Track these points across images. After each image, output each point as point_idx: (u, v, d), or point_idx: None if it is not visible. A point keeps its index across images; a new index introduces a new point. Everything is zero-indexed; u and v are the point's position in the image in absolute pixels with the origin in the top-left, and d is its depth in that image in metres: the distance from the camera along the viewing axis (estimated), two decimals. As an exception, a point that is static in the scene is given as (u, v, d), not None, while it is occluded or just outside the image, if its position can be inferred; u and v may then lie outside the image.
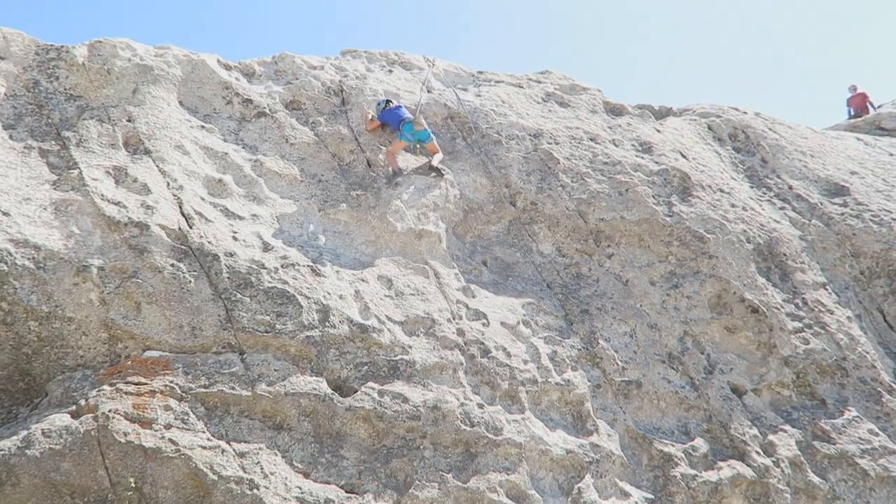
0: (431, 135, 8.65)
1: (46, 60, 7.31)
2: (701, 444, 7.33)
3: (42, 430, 5.07)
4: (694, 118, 11.68)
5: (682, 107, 12.23)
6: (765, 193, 10.55)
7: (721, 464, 7.21)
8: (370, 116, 8.83)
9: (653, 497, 6.81)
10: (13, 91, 6.94)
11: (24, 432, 5.07)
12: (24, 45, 7.29)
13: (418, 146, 8.65)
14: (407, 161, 8.71)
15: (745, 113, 12.13)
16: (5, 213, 5.79)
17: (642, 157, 9.96)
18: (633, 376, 7.65)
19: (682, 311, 8.39)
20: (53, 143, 6.73)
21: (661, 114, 11.86)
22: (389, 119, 8.58)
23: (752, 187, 10.60)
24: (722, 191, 9.93)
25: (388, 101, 8.80)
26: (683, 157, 10.29)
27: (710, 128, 11.51)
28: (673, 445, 7.22)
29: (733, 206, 9.75)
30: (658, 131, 10.83)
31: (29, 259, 5.64)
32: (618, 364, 7.67)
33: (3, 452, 4.92)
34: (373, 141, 8.71)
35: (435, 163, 8.60)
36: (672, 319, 8.29)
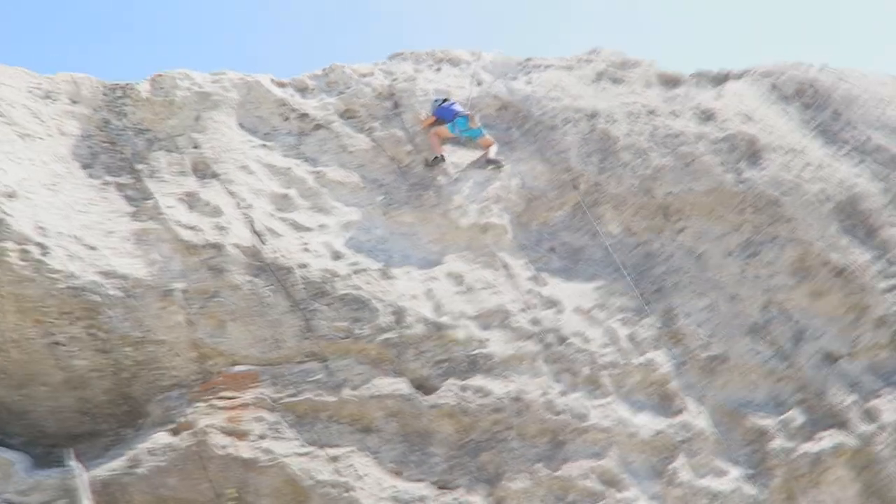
0: (483, 131, 8.65)
1: (114, 99, 7.66)
2: (797, 415, 7.07)
3: (147, 448, 5.35)
4: (756, 79, 11.22)
5: (742, 69, 11.75)
6: (840, 148, 10.04)
7: (821, 434, 6.94)
8: (423, 116, 8.90)
9: (752, 472, 6.62)
10: (87, 132, 7.32)
11: (132, 452, 5.36)
12: (93, 87, 7.67)
13: (469, 140, 8.67)
14: (463, 156, 8.73)
15: (810, 67, 11.57)
16: (92, 248, 6.12)
17: (705, 126, 9.66)
18: (718, 351, 7.44)
19: (762, 279, 8.10)
20: (128, 176, 7.07)
21: (720, 79, 11.43)
22: (444, 115, 8.62)
23: (825, 144, 10.11)
24: (794, 151, 9.52)
25: (444, 99, 8.84)
26: (749, 120, 9.91)
27: (774, 87, 11.03)
28: (767, 418, 7.00)
29: (807, 165, 9.33)
30: (719, 97, 10.46)
31: (118, 288, 5.95)
32: (700, 339, 7.48)
33: (115, 472, 5.22)
34: (428, 140, 8.75)
35: (492, 155, 8.58)
36: (753, 289, 8.01)
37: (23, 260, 5.65)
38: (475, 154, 8.76)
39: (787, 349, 7.58)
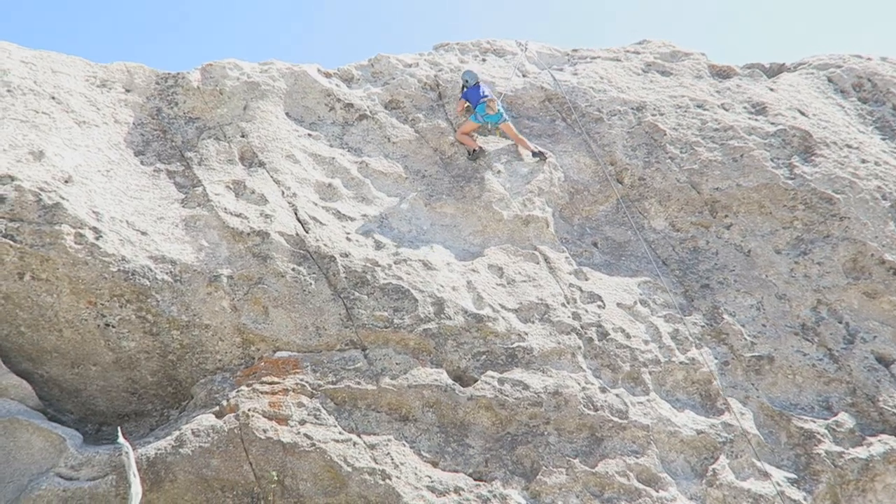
0: (505, 116, 8.57)
1: (166, 88, 7.85)
2: (846, 419, 6.85)
3: (192, 430, 5.49)
4: (811, 72, 10.87)
5: (797, 61, 11.39)
6: (900, 145, 9.66)
7: (871, 439, 6.71)
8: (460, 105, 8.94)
9: (796, 476, 6.45)
10: (140, 120, 7.52)
11: (177, 433, 5.51)
12: (146, 76, 7.87)
13: (493, 127, 8.64)
14: (496, 143, 8.70)
15: (869, 59, 11.14)
16: (143, 233, 6.29)
17: (756, 119, 9.40)
18: (764, 351, 7.26)
19: (813, 278, 7.86)
20: (178, 164, 7.24)
21: (773, 71, 11.12)
22: (470, 97, 8.61)
23: (884, 139, 9.74)
24: (849, 146, 9.20)
25: (466, 81, 8.78)
26: (802, 114, 9.61)
27: (830, 80, 10.67)
28: (814, 422, 6.80)
29: (864, 161, 9.01)
30: (771, 90, 10.17)
31: (167, 273, 6.11)
32: (745, 339, 7.30)
33: (160, 452, 5.38)
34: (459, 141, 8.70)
35: (533, 148, 8.53)
36: (803, 288, 7.79)
37: (77, 243, 5.85)
38: (502, 142, 8.70)
39: (837, 351, 7.35)
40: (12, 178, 5.88)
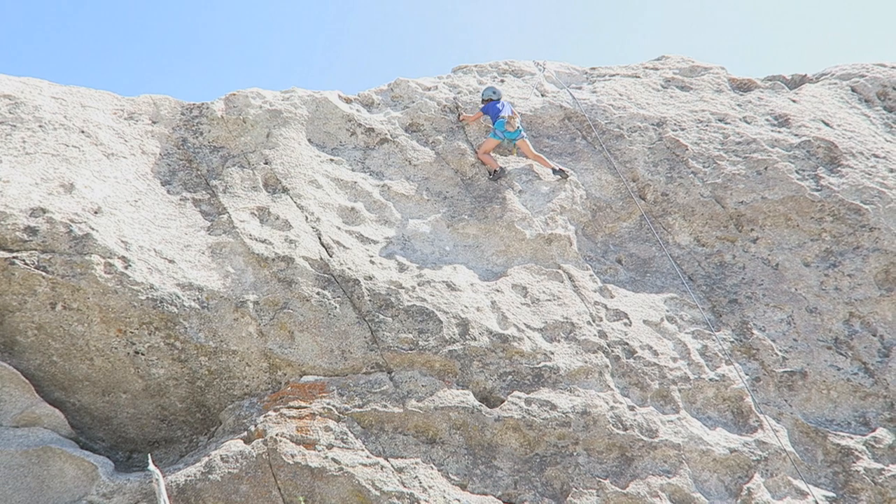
0: (523, 133, 8.60)
1: (191, 119, 8.01)
2: (884, 435, 6.67)
3: (221, 456, 5.52)
4: (834, 82, 10.76)
5: (819, 72, 11.30)
6: (928, 153, 9.49)
7: (911, 455, 6.52)
8: (467, 114, 9.03)
9: (834, 495, 6.28)
10: (166, 150, 7.67)
11: (206, 459, 5.54)
12: (171, 107, 8.04)
13: (509, 144, 8.66)
14: (517, 163, 8.71)
15: (893, 68, 11.00)
16: (171, 261, 6.39)
17: (779, 132, 9.31)
18: (796, 366, 7.12)
19: (844, 291, 7.71)
20: (204, 192, 7.36)
21: (795, 83, 11.03)
22: (490, 112, 8.68)
23: (912, 148, 9.58)
24: (876, 156, 9.06)
25: (492, 95, 8.84)
26: (826, 125, 9.50)
27: (853, 90, 10.55)
28: (851, 438, 6.63)
29: (892, 171, 8.86)
30: (794, 101, 10.08)
31: (194, 300, 6.19)
32: (777, 354, 7.17)
33: (190, 478, 5.41)
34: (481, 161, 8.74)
35: (553, 166, 8.53)
36: (834, 301, 7.64)
37: (107, 272, 5.96)
38: (519, 161, 8.72)
39: (872, 365, 7.18)
40: (44, 211, 6.02)
